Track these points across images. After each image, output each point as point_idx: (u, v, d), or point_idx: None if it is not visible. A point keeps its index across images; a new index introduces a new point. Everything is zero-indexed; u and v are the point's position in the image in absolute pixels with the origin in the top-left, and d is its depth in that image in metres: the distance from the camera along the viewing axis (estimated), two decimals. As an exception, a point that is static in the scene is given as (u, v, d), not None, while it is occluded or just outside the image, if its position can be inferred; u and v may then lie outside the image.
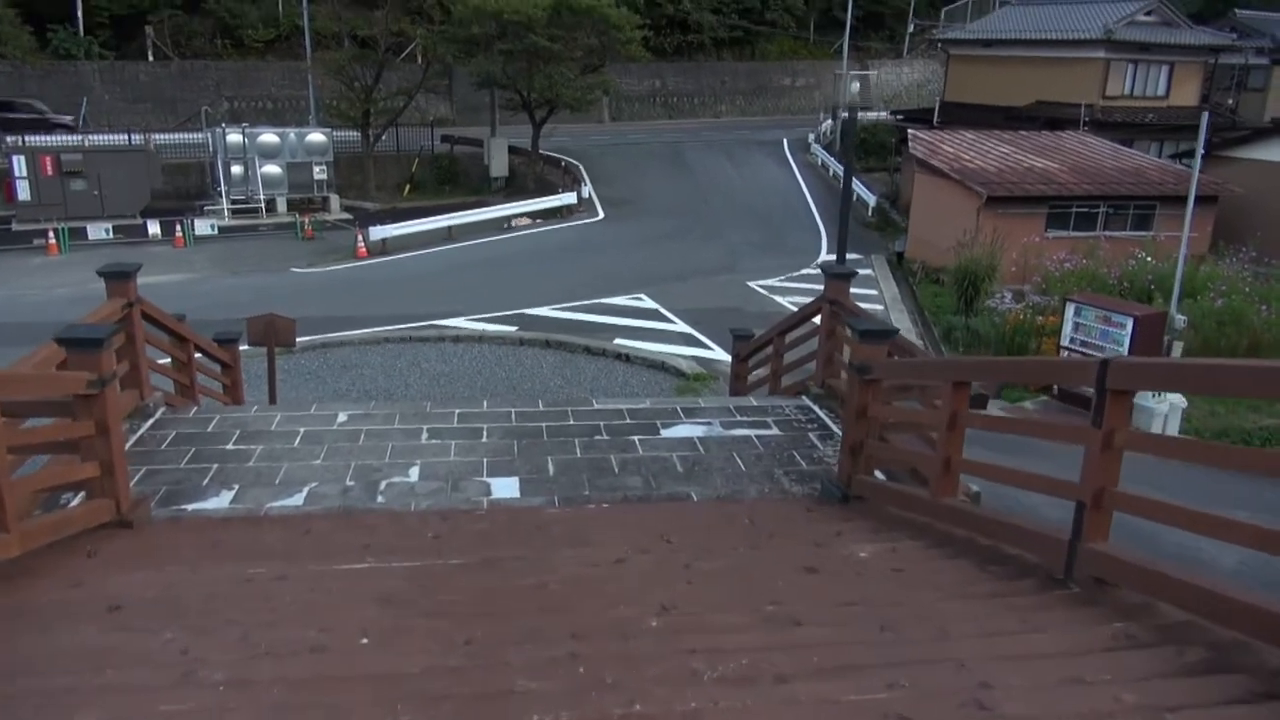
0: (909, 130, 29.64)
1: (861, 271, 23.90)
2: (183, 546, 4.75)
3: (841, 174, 35.51)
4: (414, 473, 6.60)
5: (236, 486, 6.28)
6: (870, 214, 31.39)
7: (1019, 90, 37.73)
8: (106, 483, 5.15)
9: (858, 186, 33.06)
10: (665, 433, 7.58)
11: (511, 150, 35.97)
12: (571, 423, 7.73)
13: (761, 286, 21.28)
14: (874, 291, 21.71)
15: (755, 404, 8.41)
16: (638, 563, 4.19)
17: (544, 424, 7.65)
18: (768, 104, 57.66)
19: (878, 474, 6.05)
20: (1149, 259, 20.09)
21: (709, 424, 7.81)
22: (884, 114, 47.79)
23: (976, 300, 18.70)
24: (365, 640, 3.05)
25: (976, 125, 30.18)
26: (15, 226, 25.14)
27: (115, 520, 5.16)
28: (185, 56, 44.16)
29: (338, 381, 13.69)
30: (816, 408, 8.29)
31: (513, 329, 16.86)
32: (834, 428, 7.79)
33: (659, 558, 4.28)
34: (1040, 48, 36.26)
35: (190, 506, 5.95)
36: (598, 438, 7.40)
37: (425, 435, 7.33)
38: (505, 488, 6.39)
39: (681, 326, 17.47)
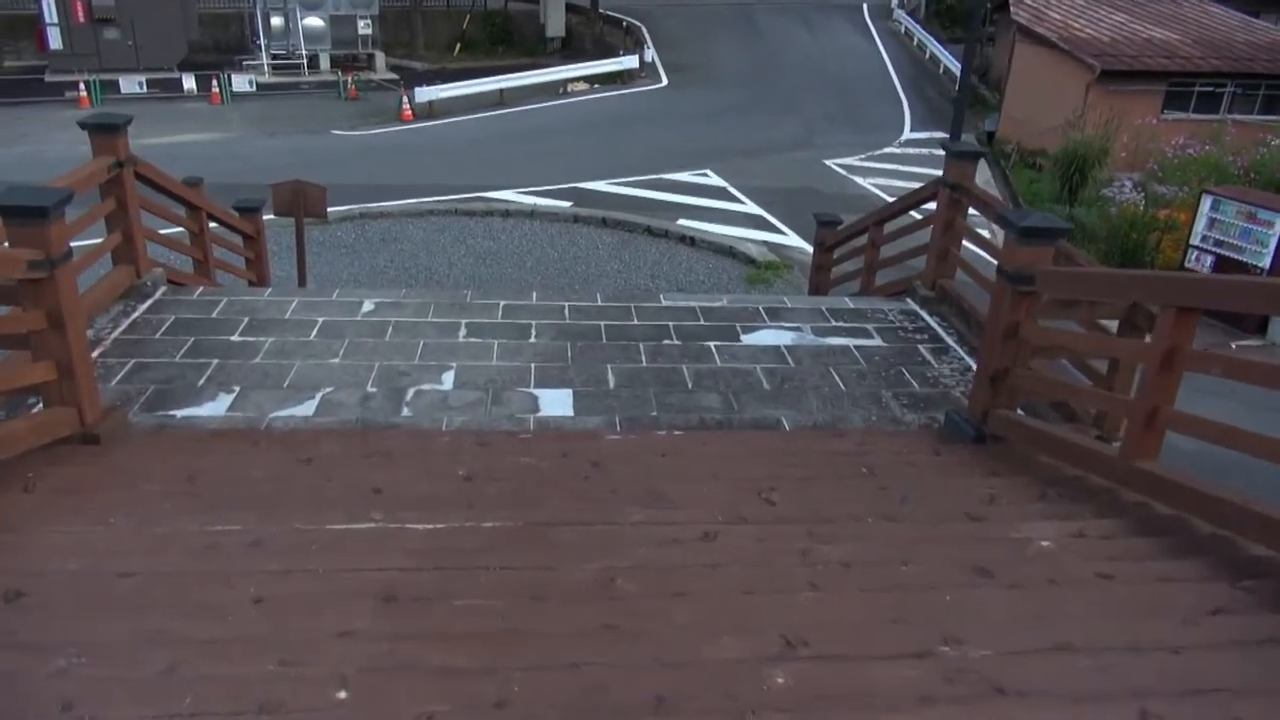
0: (1011, -7, 26.83)
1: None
2: (150, 477, 3.80)
3: (926, 41, 32.88)
4: (448, 379, 5.57)
5: (237, 388, 5.31)
6: (958, 88, 28.90)
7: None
8: (65, 388, 4.19)
9: (946, 57, 30.56)
10: (746, 339, 6.43)
11: (570, 8, 33.78)
12: (635, 322, 6.60)
13: (840, 165, 19.60)
14: (964, 175, 19.84)
15: (852, 306, 7.19)
16: (734, 542, 3.12)
17: (602, 323, 6.54)
18: (846, -35, 53.57)
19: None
20: (1284, 146, 17.91)
21: (798, 329, 6.63)
22: (975, -22, 44.06)
23: (1083, 188, 16.90)
24: (342, 695, 2.04)
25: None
26: (48, 77, 24.14)
27: (78, 434, 4.22)
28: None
29: (375, 257, 12.68)
30: (925, 314, 7.05)
31: (567, 205, 15.60)
32: (948, 340, 6.58)
33: (761, 533, 3.21)
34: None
35: (180, 413, 5.01)
36: (666, 342, 6.28)
37: (463, 331, 6.27)
38: (556, 403, 5.34)
39: (751, 207, 16.05)
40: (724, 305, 7.03)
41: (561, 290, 11.65)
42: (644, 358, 6.02)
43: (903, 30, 36.46)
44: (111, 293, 6.29)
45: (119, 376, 5.37)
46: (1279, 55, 21.75)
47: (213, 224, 8.79)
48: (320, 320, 6.33)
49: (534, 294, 7.06)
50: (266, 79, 26.00)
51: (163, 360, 5.61)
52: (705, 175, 17.95)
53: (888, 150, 21.41)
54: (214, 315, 6.35)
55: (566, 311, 6.72)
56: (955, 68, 29.72)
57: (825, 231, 10.19)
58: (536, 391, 5.47)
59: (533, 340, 6.20)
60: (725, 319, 6.75)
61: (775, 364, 6.04)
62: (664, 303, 7.02)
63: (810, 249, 14.03)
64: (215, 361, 5.63)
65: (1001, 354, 4.62)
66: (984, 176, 19.81)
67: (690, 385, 5.67)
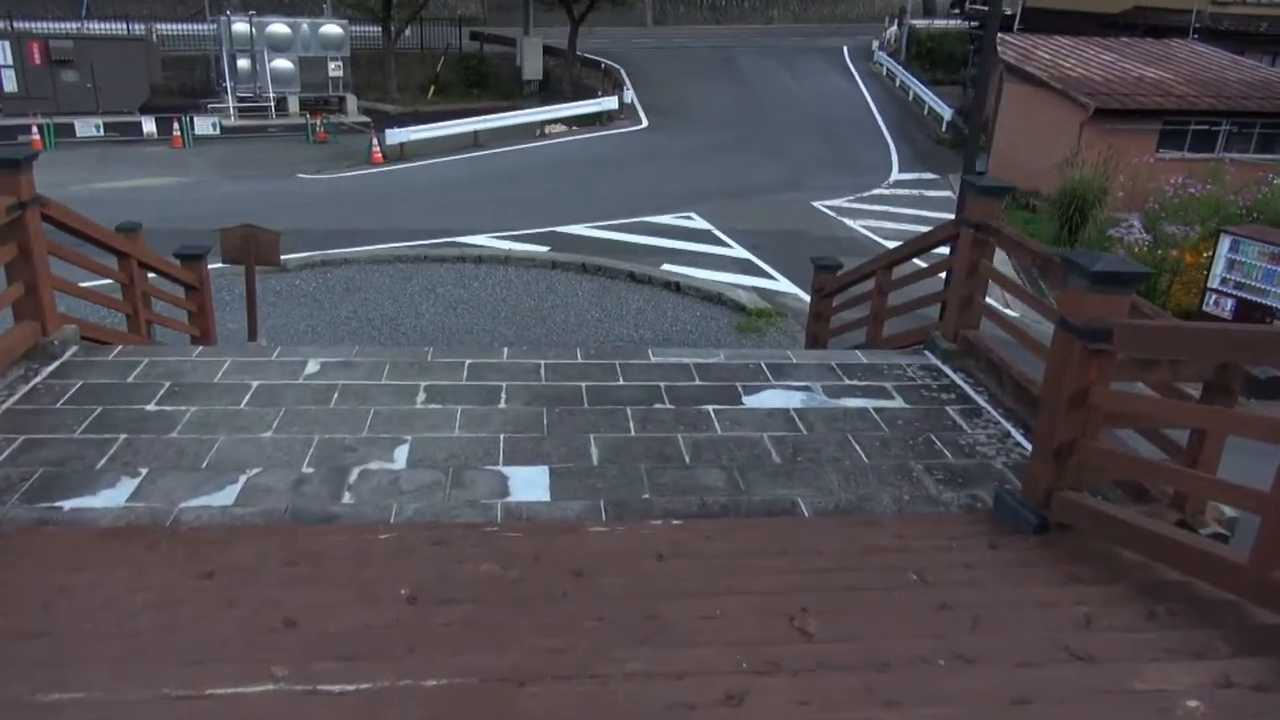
0: (999, 36, 26.68)
1: (937, 193, 21.59)
2: (-4, 604, 2.93)
3: (910, 83, 32.74)
4: (401, 455, 4.74)
5: (144, 471, 4.46)
6: (944, 129, 28.70)
7: (1115, -6, 34.37)
8: (-96, 482, 3.34)
9: (931, 99, 30.42)
10: (750, 401, 5.64)
11: (547, 51, 33.45)
12: (621, 382, 5.81)
13: (828, 207, 19.04)
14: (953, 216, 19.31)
15: (865, 361, 6.43)
16: (768, 706, 2.30)
17: (584, 384, 5.74)
18: (823, 10, 54.21)
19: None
20: (1287, 185, 17.51)
21: (808, 389, 5.86)
22: (952, 22, 44.40)
23: (1084, 229, 16.38)
24: None
25: (1065, 34, 27.18)
26: (1, 120, 23.33)
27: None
28: (196, -58, 41.64)
29: (337, 307, 11.85)
30: (948, 369, 6.30)
31: (543, 249, 14.88)
32: (978, 400, 5.82)
33: (803, 690, 2.39)
34: (1144, -57, 32.74)
35: (69, 504, 4.14)
36: (658, 406, 5.48)
37: (422, 396, 5.45)
38: (529, 484, 4.52)
39: (739, 251, 15.38)
40: (721, 361, 6.25)
41: (537, 345, 10.86)
42: (632, 425, 5.21)
43: (884, 72, 36.42)
44: (8, 355, 5.44)
45: (1, 458, 4.50)
46: (1272, 93, 21.56)
47: (153, 274, 8.03)
48: (255, 385, 5.49)
49: (505, 350, 6.25)
50: (232, 122, 25.32)
51: (59, 436, 4.75)
52: (689, 218, 17.31)
53: (877, 192, 20.91)
54: (130, 380, 5.50)
55: (542, 371, 5.92)
56: (940, 109, 29.58)
57: (824, 277, 9.49)
58: (506, 470, 4.65)
59: (503, 406, 5.39)
60: (723, 377, 5.97)
61: (785, 431, 5.25)
62: (653, 359, 6.23)
63: (804, 295, 13.35)
64: (123, 437, 4.77)
65: (1068, 424, 3.86)
66: (978, 218, 19.25)
67: (688, 459, 4.86)
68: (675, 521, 4.15)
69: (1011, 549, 3.78)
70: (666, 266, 14.13)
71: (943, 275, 9.41)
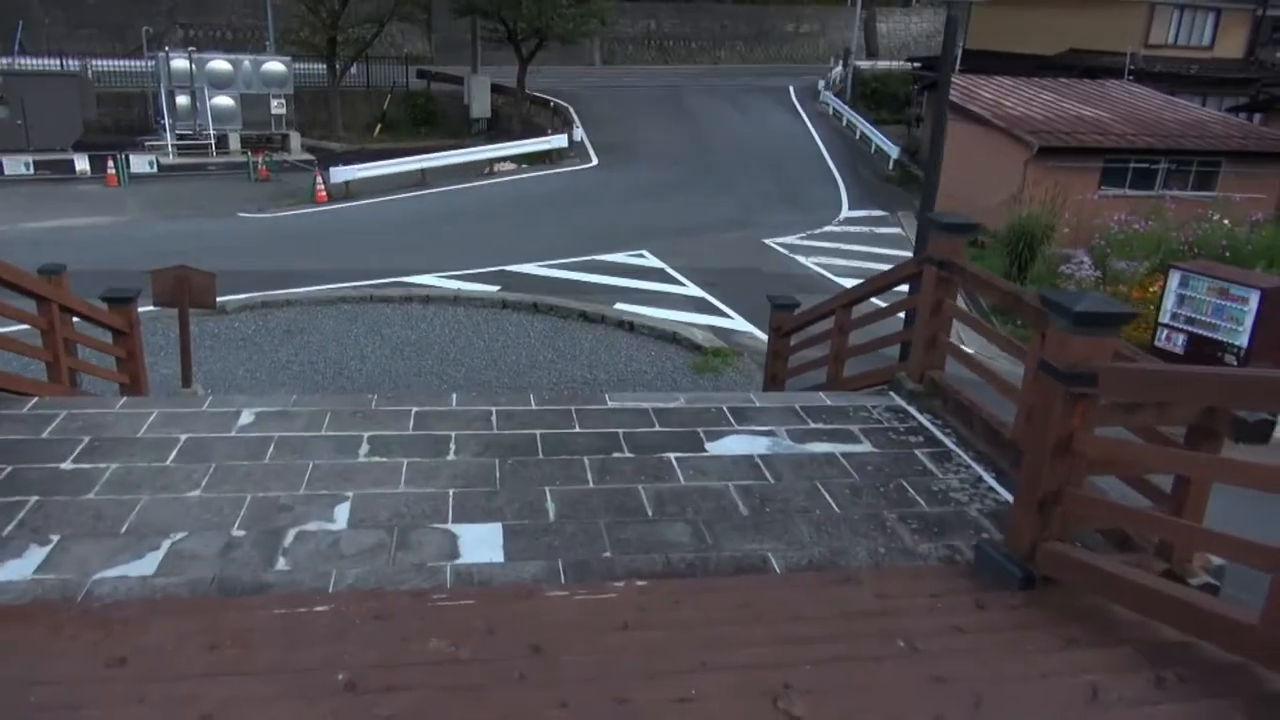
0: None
1: (888, 230, 21.76)
2: None
3: (856, 122, 33.22)
4: (341, 514, 4.40)
5: (56, 538, 4.06)
6: (891, 167, 29.07)
7: (1050, 37, 35.36)
8: None
9: (878, 137, 30.82)
10: (713, 448, 5.40)
11: (495, 89, 33.35)
12: (578, 430, 5.53)
13: (779, 244, 19.03)
14: (908, 254, 19.44)
15: (830, 403, 6.23)
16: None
17: (538, 432, 5.45)
18: (770, 51, 55.08)
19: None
20: (1225, 221, 17.92)
21: (772, 434, 5.63)
22: (896, 64, 45.36)
23: (1032, 265, 16.54)
24: None
25: (1004, 75, 27.81)
26: (-76, 159, 22.49)
27: None
28: (136, -21, 40.99)
29: (277, 351, 11.41)
30: (914, 410, 6.13)
31: (494, 289, 14.58)
32: (947, 443, 5.64)
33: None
34: (1078, -12, 33.87)
35: (-34, 578, 3.74)
36: (617, 455, 5.21)
37: (365, 449, 5.12)
38: (481, 544, 4.21)
39: (692, 289, 15.23)
40: (681, 406, 6.01)
41: (488, 389, 10.54)
42: (590, 477, 4.93)
43: (830, 111, 36.91)
44: (-93, 410, 5.00)
45: (-108, 526, 4.08)
46: (1206, 132, 22.16)
47: (78, 319, 7.59)
48: (183, 439, 5.11)
49: (454, 397, 5.94)
50: (170, 160, 24.70)
51: (-40, 500, 4.33)
52: (641, 256, 17.15)
53: (828, 229, 20.98)
54: (45, 435, 5.08)
55: (494, 418, 5.62)
56: (887, 147, 30.00)
57: (782, 316, 9.34)
58: (455, 528, 4.33)
59: (452, 457, 5.07)
60: (685, 423, 5.72)
61: (751, 480, 5.01)
62: (610, 404, 5.97)
63: (761, 334, 13.22)
64: (33, 500, 4.37)
65: (1052, 472, 3.67)
66: (928, 254, 19.39)
67: (650, 512, 4.59)
68: (640, 583, 3.86)
69: (1000, 608, 3.56)
70: (620, 305, 13.91)
71: (902, 315, 9.37)
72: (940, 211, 6.18)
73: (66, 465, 4.74)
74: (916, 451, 5.51)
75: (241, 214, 19.79)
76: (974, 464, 5.36)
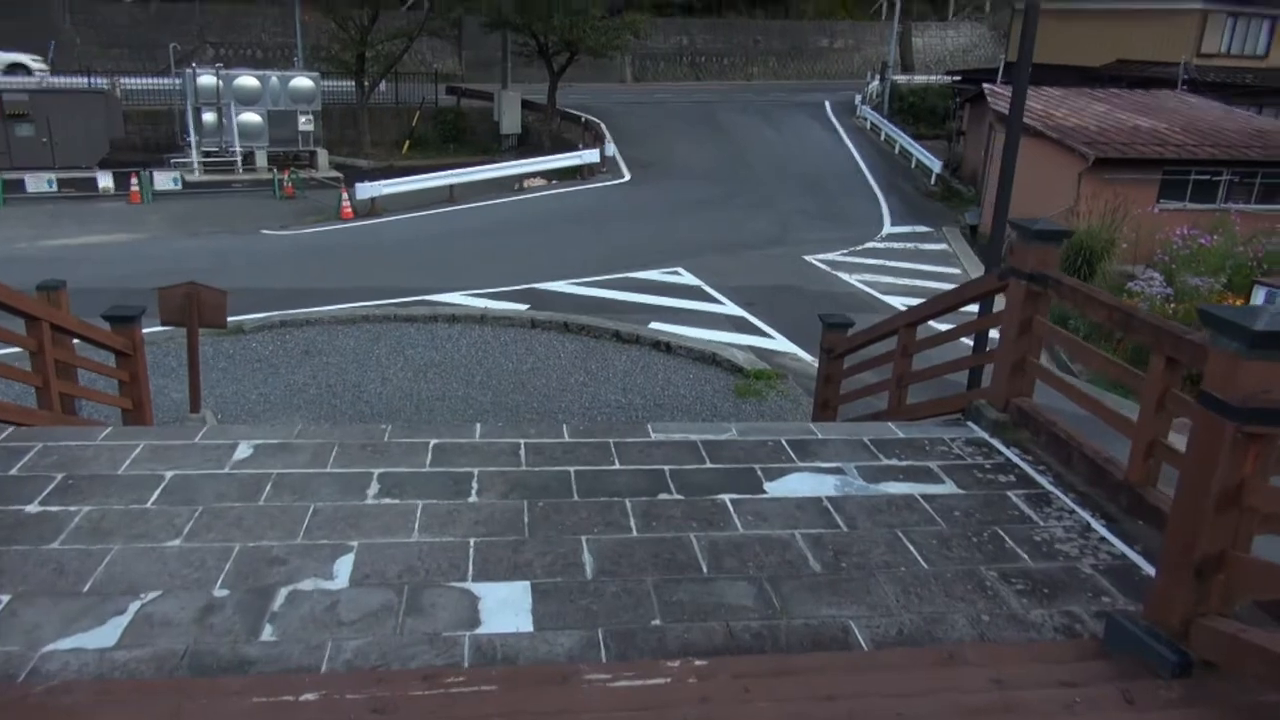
0: (985, 86, 26.47)
1: (933, 246, 20.99)
2: None
3: (896, 136, 32.51)
4: (342, 570, 3.78)
5: (6, 598, 3.47)
6: (933, 182, 28.31)
7: (1096, 48, 34.55)
8: None
9: (918, 152, 30.14)
10: (773, 488, 4.72)
11: (525, 105, 33.02)
12: (618, 466, 4.88)
13: (821, 261, 18.33)
14: (956, 270, 18.72)
15: (901, 435, 5.53)
16: None
17: (573, 469, 4.81)
18: (803, 67, 54.56)
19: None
20: (1297, 236, 16.99)
21: (840, 472, 4.95)
22: (934, 78, 44.68)
23: (1091, 282, 15.70)
24: None
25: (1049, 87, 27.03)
26: (-50, 177, 22.40)
27: None
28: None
29: (294, 373, 10.87)
30: (998, 444, 5.41)
31: (523, 308, 14.01)
32: (1043, 483, 4.93)
33: None
34: (1125, -1, 33.06)
35: (-109, 650, 3.14)
36: (664, 497, 4.55)
37: (375, 489, 4.50)
38: (506, 609, 3.56)
39: (731, 308, 14.57)
40: (734, 439, 5.34)
41: (515, 414, 9.93)
42: (634, 523, 4.27)
43: (868, 126, 36.24)
44: None
45: None
46: (1270, 142, 21.21)
47: (78, 341, 7.11)
48: (168, 476, 4.52)
49: (477, 428, 5.31)
50: (196, 177, 24.48)
51: (-96, 550, 3.76)
52: (677, 273, 16.52)
53: (870, 245, 20.26)
54: (13, 471, 4.51)
55: (522, 453, 4.98)
56: (928, 162, 29.26)
57: (834, 336, 8.65)
58: (476, 588, 3.69)
59: (474, 499, 4.44)
60: (739, 459, 5.05)
61: (821, 528, 4.33)
62: (654, 436, 5.31)
63: (804, 354, 12.53)
64: (-12, 549, 3.79)
65: (1215, 531, 2.97)
66: (979, 273, 18.63)
67: (705, 568, 3.92)
68: (699, 662, 3.19)
69: (1155, 704, 2.85)
70: (655, 325, 13.27)
71: (967, 339, 8.67)
72: (1028, 218, 5.48)
73: (32, 508, 4.15)
74: (1009, 493, 4.80)
75: (265, 231, 19.43)
76: (1078, 508, 4.64)
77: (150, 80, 29.74)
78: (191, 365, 8.81)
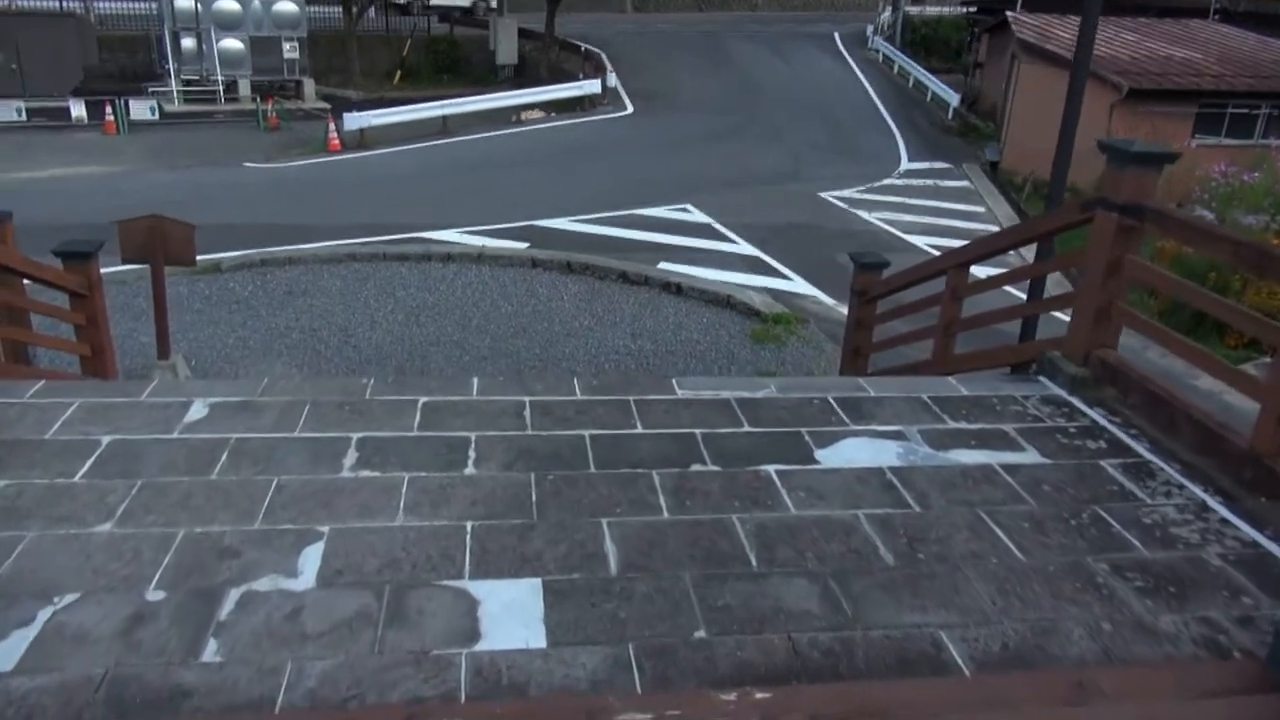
0: (1008, 14, 25.27)
1: (954, 183, 20.08)
2: None
3: (911, 69, 31.32)
4: (308, 564, 3.09)
5: (-118, 603, 2.78)
6: (950, 117, 27.26)
7: (1120, -25, 33.12)
8: None
9: (935, 85, 29.06)
10: (826, 456, 4.02)
11: (523, 34, 31.73)
12: (640, 430, 4.17)
13: (837, 198, 17.47)
14: (980, 208, 17.87)
15: (966, 393, 4.82)
16: None
17: (587, 433, 4.10)
18: (811, -3, 52.82)
19: None
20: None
21: (901, 436, 4.25)
22: (947, 9, 43.14)
23: (1128, 221, 14.86)
24: None
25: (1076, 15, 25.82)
26: (-88, 105, 21.40)
27: None
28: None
29: (275, 315, 10.12)
30: (1079, 403, 4.71)
31: (522, 246, 13.23)
32: (1140, 450, 4.23)
33: None
34: (1157, -82, 31.51)
35: None
36: (697, 468, 3.85)
37: (352, 457, 3.79)
38: (511, 613, 2.88)
39: (745, 247, 13.78)
40: (774, 396, 4.62)
41: (515, 364, 9.22)
42: (664, 501, 3.58)
43: (880, 58, 35.00)
44: None
45: None
46: (1311, 74, 20.20)
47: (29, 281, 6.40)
48: (105, 442, 3.81)
49: (474, 382, 4.59)
50: (175, 107, 23.44)
51: None
52: (685, 210, 15.68)
53: (888, 182, 19.36)
54: (-81, 436, 3.80)
55: (528, 413, 4.27)
56: (945, 95, 28.16)
57: (868, 277, 7.91)
58: (474, 587, 3.00)
59: (470, 471, 3.74)
60: (782, 421, 4.34)
61: (888, 506, 3.64)
62: (680, 393, 4.59)
63: (825, 297, 11.79)
64: None
65: None
66: (1004, 211, 17.83)
67: (754, 560, 3.24)
68: (760, 695, 2.51)
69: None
70: (664, 265, 12.51)
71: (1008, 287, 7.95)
72: (1125, 139, 4.70)
73: (-66, 482, 3.45)
74: (1102, 463, 4.11)
75: (247, 163, 18.52)
76: (1188, 482, 3.95)
77: (127, 3, 28.43)
78: (158, 307, 8.07)
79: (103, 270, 9.57)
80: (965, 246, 6.56)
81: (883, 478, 3.88)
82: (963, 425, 4.42)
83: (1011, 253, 10.05)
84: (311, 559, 3.11)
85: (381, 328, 9.98)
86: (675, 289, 11.49)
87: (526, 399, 4.42)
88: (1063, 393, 4.84)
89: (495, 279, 11.66)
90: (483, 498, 3.54)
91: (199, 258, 11.67)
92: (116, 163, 18.09)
